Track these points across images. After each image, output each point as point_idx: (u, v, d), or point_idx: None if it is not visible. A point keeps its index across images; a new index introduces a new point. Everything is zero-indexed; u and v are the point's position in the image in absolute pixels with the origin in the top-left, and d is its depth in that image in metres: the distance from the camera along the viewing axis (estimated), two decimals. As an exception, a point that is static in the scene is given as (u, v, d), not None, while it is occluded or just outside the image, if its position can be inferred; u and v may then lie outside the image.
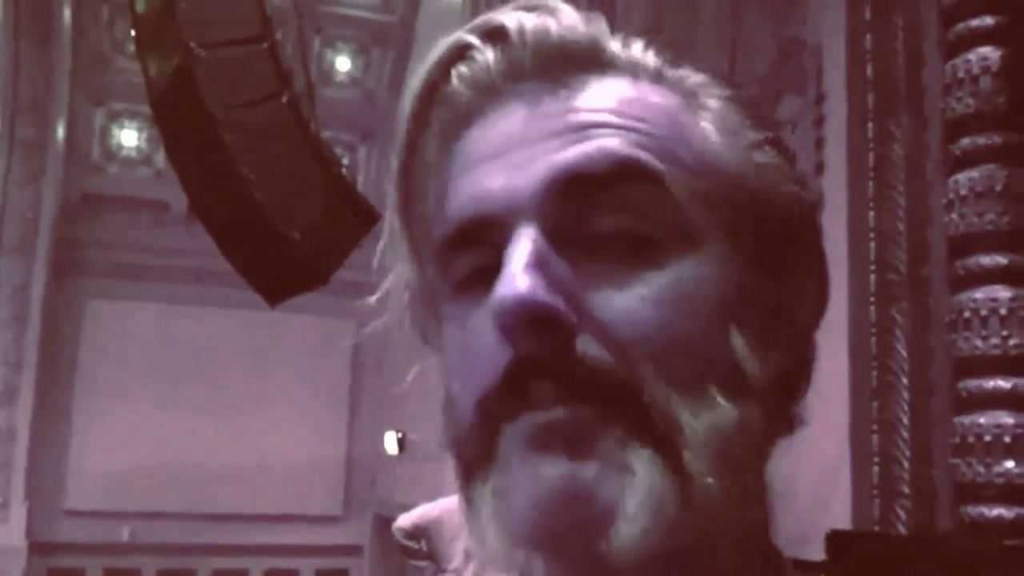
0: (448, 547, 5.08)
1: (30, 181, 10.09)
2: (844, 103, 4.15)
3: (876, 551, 3.41)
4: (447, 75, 0.61)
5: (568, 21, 0.60)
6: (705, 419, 0.54)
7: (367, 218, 5.56)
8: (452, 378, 0.59)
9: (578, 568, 0.55)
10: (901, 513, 3.72)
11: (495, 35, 0.60)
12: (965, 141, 3.26)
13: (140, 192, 10.91)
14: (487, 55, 0.60)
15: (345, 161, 10.37)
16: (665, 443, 0.53)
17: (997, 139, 3.21)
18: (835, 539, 3.36)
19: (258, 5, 5.17)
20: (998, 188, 3.18)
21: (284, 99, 5.15)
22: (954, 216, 3.28)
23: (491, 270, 0.55)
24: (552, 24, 0.60)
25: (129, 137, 10.96)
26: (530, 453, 0.53)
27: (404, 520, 5.49)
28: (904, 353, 3.82)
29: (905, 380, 3.80)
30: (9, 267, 10.03)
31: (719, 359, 0.56)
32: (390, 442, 10.04)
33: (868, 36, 3.91)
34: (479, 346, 0.56)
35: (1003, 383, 3.17)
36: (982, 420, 3.17)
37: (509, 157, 0.58)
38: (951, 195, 3.29)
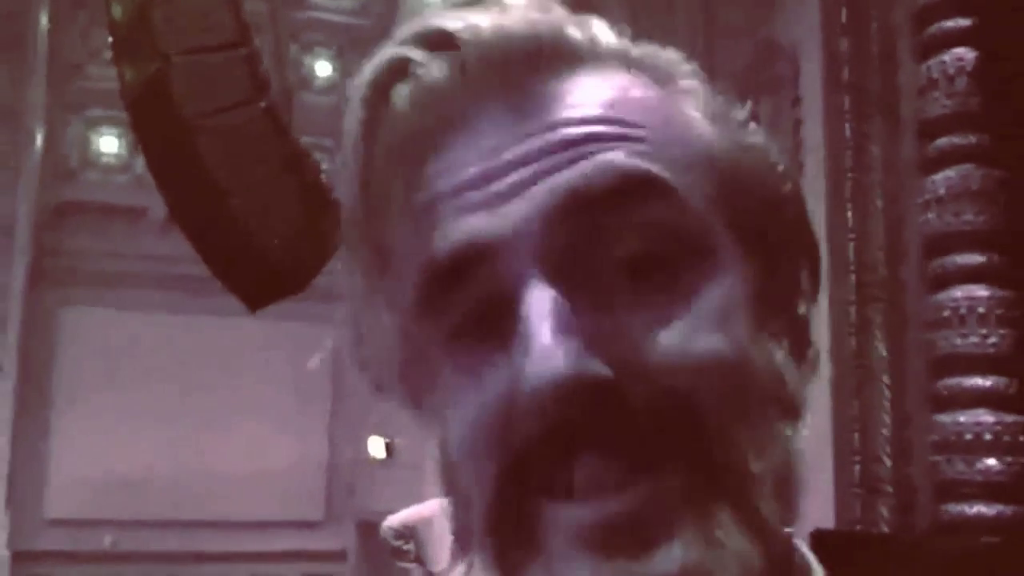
0: (436, 548, 5.05)
1: (7, 190, 10.01)
2: (820, 106, 4.16)
3: (859, 550, 3.42)
4: (386, 98, 0.53)
5: (523, 15, 0.52)
6: (770, 457, 0.49)
7: (347, 223, 5.54)
8: (461, 442, 0.51)
9: None
10: (883, 511, 3.74)
11: (440, 43, 0.52)
12: (941, 141, 3.28)
13: (119, 199, 10.84)
14: (433, 69, 0.52)
15: (324, 166, 10.31)
16: (739, 496, 0.47)
17: (973, 139, 3.23)
18: (818, 538, 3.37)
19: (234, 11, 5.15)
20: (974, 188, 3.20)
21: (262, 105, 5.13)
22: (931, 216, 3.30)
23: (492, 312, 0.49)
24: (506, 22, 0.52)
25: (108, 144, 10.89)
26: (591, 553, 0.46)
27: (393, 520, 5.45)
28: (884, 353, 3.83)
29: (885, 379, 3.82)
30: (-14, 276, 9.96)
31: (768, 377, 0.50)
32: (376, 447, 9.99)
33: (844, 39, 3.93)
34: (499, 407, 0.48)
35: (982, 381, 3.18)
36: (962, 418, 3.19)
37: (499, 182, 0.50)
38: (928, 195, 3.31)
